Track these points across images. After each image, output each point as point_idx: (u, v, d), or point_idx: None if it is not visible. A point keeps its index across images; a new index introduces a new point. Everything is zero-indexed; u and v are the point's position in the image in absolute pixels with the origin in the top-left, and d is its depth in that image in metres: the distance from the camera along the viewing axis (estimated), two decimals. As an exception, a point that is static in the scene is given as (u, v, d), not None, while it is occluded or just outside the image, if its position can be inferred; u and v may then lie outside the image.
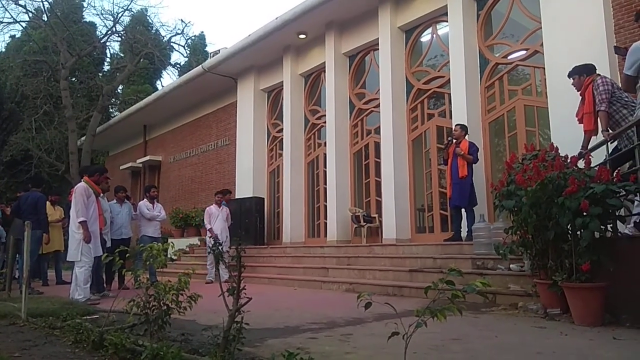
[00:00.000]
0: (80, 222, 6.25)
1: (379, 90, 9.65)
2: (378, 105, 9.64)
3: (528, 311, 4.54)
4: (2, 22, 18.95)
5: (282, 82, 11.91)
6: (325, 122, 10.81)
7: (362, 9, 9.97)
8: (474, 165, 7.36)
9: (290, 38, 11.25)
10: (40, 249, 8.39)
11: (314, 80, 11.71)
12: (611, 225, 4.12)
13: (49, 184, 17.50)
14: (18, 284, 7.01)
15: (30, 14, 18.75)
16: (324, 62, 10.83)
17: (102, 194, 7.24)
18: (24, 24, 19.59)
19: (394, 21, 9.52)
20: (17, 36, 23.31)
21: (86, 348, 3.19)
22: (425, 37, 9.54)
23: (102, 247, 6.61)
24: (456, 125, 7.64)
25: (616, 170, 4.35)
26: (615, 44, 6.42)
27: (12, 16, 18.85)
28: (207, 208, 9.60)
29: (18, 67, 19.77)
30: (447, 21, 8.68)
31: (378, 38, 9.70)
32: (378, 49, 9.75)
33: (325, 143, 10.80)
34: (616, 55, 6.26)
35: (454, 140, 7.50)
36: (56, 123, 19.88)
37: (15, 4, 17.80)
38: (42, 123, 19.64)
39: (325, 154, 10.73)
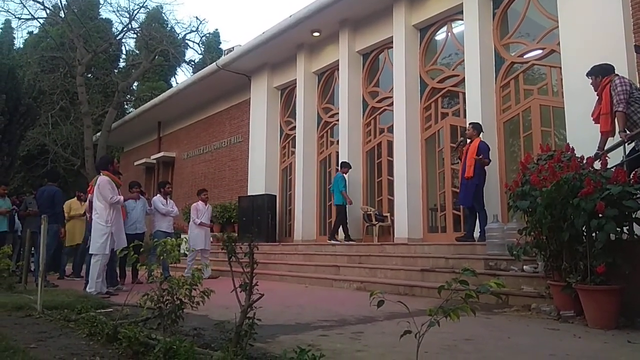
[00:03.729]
0: (116, 202, 6.41)
1: (392, 88, 9.61)
2: (391, 104, 9.60)
3: (541, 313, 4.50)
4: (20, 19, 19.32)
5: (296, 79, 11.92)
6: (338, 120, 10.80)
7: (377, 6, 9.93)
8: (487, 164, 7.29)
9: (304, 36, 11.25)
10: (64, 242, 8.60)
11: (327, 78, 11.70)
12: (627, 227, 4.05)
13: (64, 179, 17.76)
14: (34, 276, 7.12)
15: (48, 11, 19.03)
16: (338, 60, 10.82)
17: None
18: (41, 21, 19.90)
19: (409, 19, 9.47)
20: (34, 32, 23.69)
21: (100, 341, 3.24)
22: (440, 36, 9.48)
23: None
24: (469, 125, 7.59)
25: (633, 172, 4.29)
26: (635, 44, 6.31)
27: (30, 13, 19.11)
28: (194, 204, 9.49)
29: (35, 63, 20.09)
30: (462, 19, 8.62)
31: (392, 36, 9.66)
32: (392, 47, 9.72)
33: (337, 141, 10.79)
34: (635, 55, 6.16)
35: (468, 140, 7.45)
36: (72, 119, 20.20)
37: (33, 0, 18.08)
38: (58, 118, 19.97)
39: (337, 152, 10.73)
